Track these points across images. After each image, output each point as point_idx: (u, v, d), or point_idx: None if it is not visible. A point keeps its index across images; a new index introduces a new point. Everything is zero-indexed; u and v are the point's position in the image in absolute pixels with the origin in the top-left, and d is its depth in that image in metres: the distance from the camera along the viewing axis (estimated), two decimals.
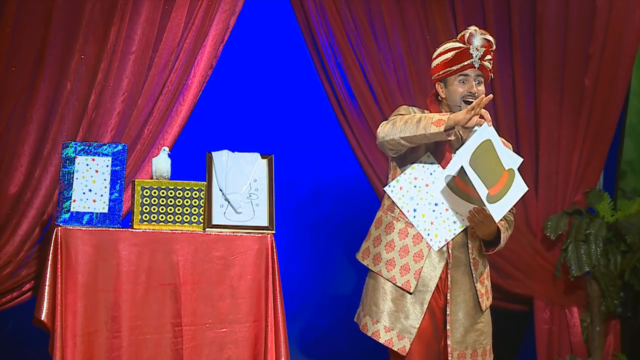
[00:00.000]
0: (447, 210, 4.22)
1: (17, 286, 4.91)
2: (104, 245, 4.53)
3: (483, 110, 3.97)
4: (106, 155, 4.69)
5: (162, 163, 4.74)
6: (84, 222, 4.61)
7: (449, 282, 4.15)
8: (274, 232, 4.72)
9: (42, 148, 4.95)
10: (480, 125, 3.96)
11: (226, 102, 5.89)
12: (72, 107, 5.01)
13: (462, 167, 4.00)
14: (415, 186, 4.25)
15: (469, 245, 4.20)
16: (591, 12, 5.85)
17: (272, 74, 6.00)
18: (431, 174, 4.25)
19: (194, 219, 4.70)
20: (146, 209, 4.66)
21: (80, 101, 5.01)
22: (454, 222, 4.13)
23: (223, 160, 4.78)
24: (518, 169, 4.16)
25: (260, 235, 4.68)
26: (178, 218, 4.69)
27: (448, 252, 4.15)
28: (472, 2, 5.76)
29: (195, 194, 4.71)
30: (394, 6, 5.61)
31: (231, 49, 5.51)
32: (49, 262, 4.46)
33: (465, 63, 4.13)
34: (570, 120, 5.87)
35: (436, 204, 4.13)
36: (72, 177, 4.63)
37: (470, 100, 4.10)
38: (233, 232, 4.68)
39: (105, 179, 4.67)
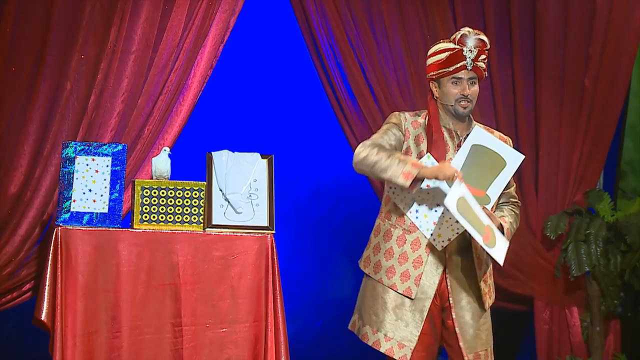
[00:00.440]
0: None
1: (17, 286, 4.91)
2: (104, 245, 4.52)
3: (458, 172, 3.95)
4: (106, 155, 4.69)
5: (162, 163, 4.74)
6: (84, 222, 4.60)
7: (448, 287, 4.14)
8: (274, 232, 4.72)
9: (42, 148, 4.95)
10: (453, 180, 3.94)
11: (226, 102, 5.89)
12: (72, 107, 5.01)
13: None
14: None
15: (473, 245, 4.18)
16: (591, 12, 5.85)
17: (272, 74, 6.00)
18: None
19: (194, 219, 4.70)
20: (146, 209, 4.66)
21: (80, 101, 5.01)
22: (457, 221, 4.12)
23: (223, 160, 4.77)
24: (518, 168, 4.14)
25: (260, 235, 4.68)
26: (178, 218, 4.68)
27: (446, 257, 4.14)
28: (472, 2, 5.76)
29: (195, 194, 4.71)
30: (394, 6, 5.60)
31: (231, 49, 5.51)
32: (49, 262, 4.46)
33: (458, 65, 4.07)
34: (570, 120, 5.86)
35: (437, 204, 4.11)
36: (72, 177, 4.63)
37: (463, 102, 4.08)
38: (233, 232, 4.68)
39: (105, 179, 4.67)
